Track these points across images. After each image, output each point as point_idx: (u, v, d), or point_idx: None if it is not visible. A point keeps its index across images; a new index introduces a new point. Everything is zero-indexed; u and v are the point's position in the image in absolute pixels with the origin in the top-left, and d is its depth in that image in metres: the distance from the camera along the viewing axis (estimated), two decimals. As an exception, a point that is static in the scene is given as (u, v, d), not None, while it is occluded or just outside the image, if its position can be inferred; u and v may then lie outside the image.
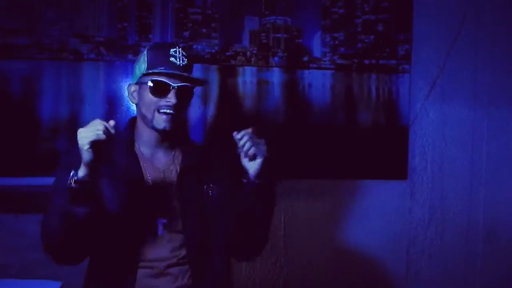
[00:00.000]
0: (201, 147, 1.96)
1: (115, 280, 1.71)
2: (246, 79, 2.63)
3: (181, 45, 1.88)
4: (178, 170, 1.80)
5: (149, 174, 1.78)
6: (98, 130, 1.52)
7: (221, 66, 2.60)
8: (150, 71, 1.72)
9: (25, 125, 2.49)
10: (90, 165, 1.55)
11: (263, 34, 2.64)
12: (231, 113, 2.63)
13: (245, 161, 1.73)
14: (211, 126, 2.60)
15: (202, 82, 1.87)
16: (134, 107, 1.86)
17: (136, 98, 1.79)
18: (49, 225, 1.64)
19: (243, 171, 1.75)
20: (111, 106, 2.52)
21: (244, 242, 1.84)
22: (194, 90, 1.78)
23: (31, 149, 2.50)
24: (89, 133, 1.52)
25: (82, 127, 1.56)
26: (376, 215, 2.80)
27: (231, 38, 2.61)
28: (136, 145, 1.81)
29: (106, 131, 1.53)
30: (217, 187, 1.82)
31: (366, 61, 2.71)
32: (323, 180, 2.73)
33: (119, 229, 1.70)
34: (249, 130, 1.71)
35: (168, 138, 1.80)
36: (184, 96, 1.74)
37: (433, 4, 2.79)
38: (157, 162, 1.80)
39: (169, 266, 1.74)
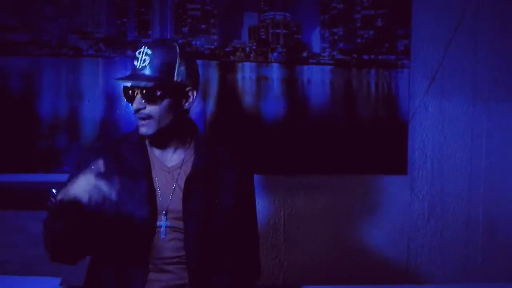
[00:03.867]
0: (211, 147, 1.84)
1: (115, 278, 1.69)
2: (245, 75, 2.64)
3: (181, 40, 1.87)
4: (187, 172, 1.74)
5: (157, 174, 1.74)
6: (98, 193, 1.49)
7: (220, 62, 2.61)
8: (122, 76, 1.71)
9: (25, 121, 2.50)
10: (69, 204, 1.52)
11: (262, 30, 2.64)
12: (231, 109, 2.63)
13: None
14: (211, 122, 2.60)
15: (152, 80, 1.67)
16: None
17: None
18: (44, 226, 1.65)
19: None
20: (110, 102, 2.52)
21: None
22: (160, 91, 1.65)
23: (30, 146, 2.50)
24: (91, 191, 1.49)
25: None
26: (376, 210, 2.80)
27: (230, 34, 2.62)
28: (147, 143, 1.76)
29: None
30: (224, 195, 1.77)
31: (366, 57, 2.71)
32: (323, 175, 2.73)
33: (121, 227, 1.68)
34: None
35: (173, 138, 1.75)
36: (150, 98, 1.64)
37: (432, -1, 2.79)
38: (167, 162, 1.76)
39: (169, 264, 1.71)
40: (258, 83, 2.65)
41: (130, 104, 1.67)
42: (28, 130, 2.51)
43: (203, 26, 2.59)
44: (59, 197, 1.51)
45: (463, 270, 2.89)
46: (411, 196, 2.85)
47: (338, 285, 2.48)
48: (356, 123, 2.72)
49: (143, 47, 1.67)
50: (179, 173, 1.74)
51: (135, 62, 1.66)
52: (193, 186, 1.72)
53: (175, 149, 1.76)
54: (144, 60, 1.65)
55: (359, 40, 2.71)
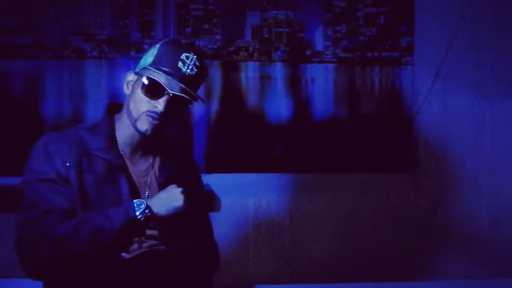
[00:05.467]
0: (176, 153, 1.79)
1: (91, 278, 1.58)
2: (248, 74, 2.64)
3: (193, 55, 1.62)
4: (157, 177, 1.68)
5: (133, 176, 1.66)
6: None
7: (223, 62, 2.61)
8: (152, 67, 1.57)
9: (29, 124, 2.50)
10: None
11: (265, 29, 2.64)
12: (234, 108, 2.63)
13: None
14: (215, 121, 2.60)
15: (199, 99, 1.65)
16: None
17: (130, 89, 1.63)
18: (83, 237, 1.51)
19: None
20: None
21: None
22: (191, 105, 1.62)
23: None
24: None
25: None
26: (381, 207, 2.80)
27: (233, 34, 2.62)
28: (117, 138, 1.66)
29: None
30: (191, 199, 1.68)
31: (369, 54, 2.71)
32: (327, 173, 2.73)
33: None
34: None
35: (149, 141, 1.65)
36: (176, 107, 1.58)
37: (435, -5, 2.79)
38: (137, 165, 1.67)
39: (142, 273, 1.63)
40: (261, 82, 2.65)
41: (145, 97, 1.56)
42: (32, 132, 2.50)
43: (206, 26, 2.59)
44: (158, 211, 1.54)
45: (468, 266, 2.88)
46: (415, 193, 2.85)
47: (344, 283, 2.48)
48: (360, 121, 2.72)
49: (192, 53, 1.59)
50: (150, 179, 1.67)
51: (180, 65, 1.56)
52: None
53: (145, 152, 1.68)
54: (192, 69, 1.57)
55: (362, 38, 2.71)
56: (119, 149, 1.63)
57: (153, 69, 1.57)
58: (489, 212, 2.89)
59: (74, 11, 2.49)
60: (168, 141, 1.75)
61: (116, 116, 1.67)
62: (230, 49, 2.61)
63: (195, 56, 1.58)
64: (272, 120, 2.65)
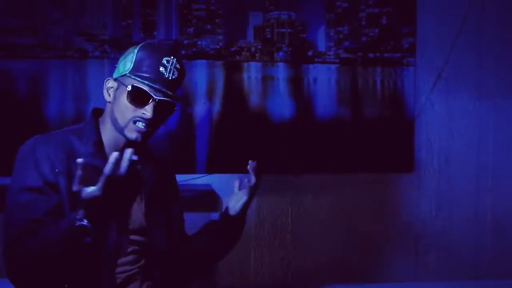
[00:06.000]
0: (158, 158, 1.79)
1: None
2: (251, 74, 2.64)
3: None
4: (141, 183, 1.65)
5: None
6: None
7: (226, 62, 2.61)
8: (134, 75, 1.55)
9: (31, 124, 2.50)
10: None
11: (268, 29, 2.65)
12: (237, 108, 2.63)
13: (237, 191, 1.76)
14: (217, 121, 2.60)
15: (180, 101, 1.66)
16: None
17: (111, 96, 1.61)
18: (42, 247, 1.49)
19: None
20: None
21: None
22: (176, 108, 1.62)
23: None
24: None
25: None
26: (383, 208, 2.80)
27: (235, 34, 2.62)
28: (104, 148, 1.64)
29: None
30: (173, 202, 1.79)
31: (371, 55, 2.71)
32: (329, 174, 2.73)
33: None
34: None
35: (134, 145, 1.60)
36: (163, 111, 1.58)
37: (437, -4, 2.79)
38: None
39: (130, 276, 1.64)
40: (263, 82, 2.65)
41: (131, 105, 1.55)
42: (35, 132, 2.50)
43: (208, 27, 2.60)
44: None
45: (471, 267, 2.88)
46: (418, 194, 2.84)
47: (346, 283, 2.48)
48: (362, 122, 2.72)
49: (172, 57, 1.59)
50: (137, 183, 1.63)
51: (162, 70, 1.56)
52: (153, 198, 1.68)
53: None
54: (174, 73, 1.57)
55: (364, 39, 2.71)
56: (106, 155, 1.59)
57: (134, 76, 1.56)
58: (493, 213, 2.88)
59: (77, 12, 2.50)
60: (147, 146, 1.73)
61: (100, 119, 1.65)
62: (232, 49, 2.61)
63: (175, 60, 1.59)
64: (274, 121, 2.65)
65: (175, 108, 1.62)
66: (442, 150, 2.85)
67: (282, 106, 2.66)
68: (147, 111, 1.54)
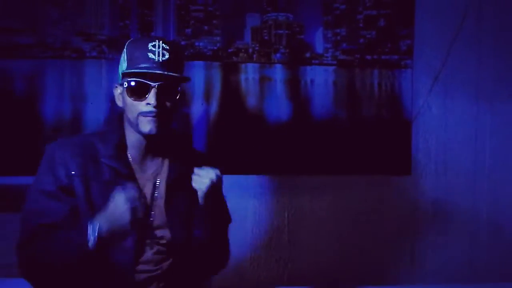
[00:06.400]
0: (192, 154, 1.80)
1: None
2: (248, 75, 2.64)
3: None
4: (166, 179, 1.68)
5: (138, 182, 1.65)
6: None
7: (223, 63, 2.61)
8: (128, 71, 1.58)
9: (28, 123, 2.50)
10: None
11: (265, 31, 2.65)
12: (234, 110, 2.63)
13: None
14: (214, 123, 2.60)
15: (185, 79, 1.65)
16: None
17: (121, 100, 1.66)
18: (54, 256, 1.52)
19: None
20: (113, 104, 2.51)
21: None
22: (179, 88, 1.62)
23: (34, 148, 2.50)
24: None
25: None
26: (380, 210, 2.80)
27: (233, 35, 2.62)
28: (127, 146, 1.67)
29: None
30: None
31: (368, 57, 2.71)
32: (326, 175, 2.73)
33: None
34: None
35: (157, 142, 1.66)
36: (167, 95, 1.58)
37: (435, -1, 2.79)
38: (146, 169, 1.68)
39: (151, 278, 1.65)
40: (261, 84, 2.65)
41: (135, 100, 1.58)
42: (32, 132, 2.51)
43: (206, 27, 2.60)
44: (103, 232, 1.45)
45: (468, 269, 2.88)
46: (415, 196, 2.84)
47: (344, 285, 2.48)
48: (359, 123, 2.72)
49: (157, 40, 1.58)
50: (159, 180, 1.68)
51: (152, 56, 1.56)
52: (174, 194, 1.67)
53: (154, 155, 1.69)
54: (164, 54, 1.57)
55: (362, 41, 2.71)
56: (127, 156, 1.65)
57: (129, 71, 1.58)
58: (489, 215, 2.89)
59: (75, 12, 2.50)
60: (175, 141, 1.75)
61: (125, 124, 1.68)
62: (229, 50, 2.61)
63: (161, 42, 1.58)
64: (272, 122, 2.65)
65: (179, 89, 1.61)
66: (439, 152, 2.85)
67: (279, 107, 2.66)
68: (150, 100, 1.55)
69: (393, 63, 2.73)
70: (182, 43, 2.58)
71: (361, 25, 2.71)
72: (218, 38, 2.60)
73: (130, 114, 1.61)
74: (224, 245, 1.82)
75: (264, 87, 2.65)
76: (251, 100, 2.64)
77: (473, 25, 2.81)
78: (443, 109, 2.84)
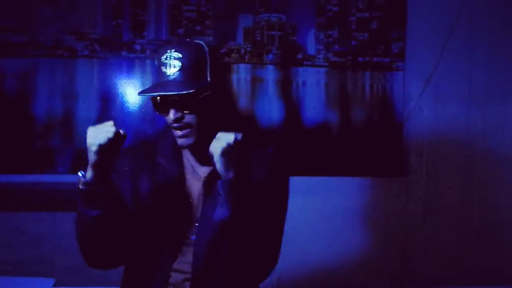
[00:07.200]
0: (244, 150, 1.61)
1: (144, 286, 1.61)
2: (240, 76, 2.64)
3: (174, 47, 1.54)
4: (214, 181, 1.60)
5: (190, 183, 1.64)
6: (108, 132, 1.42)
7: (215, 64, 2.61)
8: (148, 87, 1.55)
9: (20, 122, 2.51)
10: (96, 167, 1.45)
11: (257, 32, 2.65)
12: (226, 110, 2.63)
13: None
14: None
15: (202, 90, 1.52)
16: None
17: None
18: (75, 228, 1.57)
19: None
20: (105, 103, 2.53)
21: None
22: (202, 96, 1.50)
23: (25, 146, 2.51)
24: (99, 134, 1.42)
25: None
26: (371, 212, 2.80)
27: (225, 36, 2.62)
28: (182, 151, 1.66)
29: (117, 135, 1.43)
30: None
31: (360, 59, 2.72)
32: (318, 177, 2.73)
33: (152, 235, 1.61)
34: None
35: (203, 148, 1.54)
36: (186, 107, 1.50)
37: (427, 1, 2.79)
38: (199, 171, 1.65)
39: (186, 280, 1.63)
40: (253, 84, 2.65)
41: (160, 114, 1.55)
42: (23, 130, 2.51)
43: (198, 28, 2.60)
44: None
45: (458, 272, 2.88)
46: (406, 198, 2.85)
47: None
48: (351, 125, 2.73)
49: (169, 50, 1.50)
50: (212, 182, 1.59)
51: (164, 69, 1.49)
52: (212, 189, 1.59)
53: (206, 158, 1.56)
54: (174, 66, 1.49)
55: (354, 43, 2.72)
56: (181, 157, 1.65)
57: (148, 88, 1.55)
58: (480, 218, 2.89)
59: (67, 11, 2.50)
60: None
61: None
62: (222, 51, 2.61)
63: (172, 50, 1.50)
64: (263, 123, 2.65)
65: (197, 96, 1.50)
66: (430, 155, 2.86)
67: (271, 108, 2.66)
68: (169, 116, 1.51)
69: (385, 66, 2.74)
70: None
71: (353, 27, 2.72)
72: (210, 39, 2.60)
73: None
74: (267, 237, 1.69)
75: (256, 88, 2.65)
76: (243, 101, 2.64)
77: (465, 28, 2.82)
78: (434, 112, 2.84)
